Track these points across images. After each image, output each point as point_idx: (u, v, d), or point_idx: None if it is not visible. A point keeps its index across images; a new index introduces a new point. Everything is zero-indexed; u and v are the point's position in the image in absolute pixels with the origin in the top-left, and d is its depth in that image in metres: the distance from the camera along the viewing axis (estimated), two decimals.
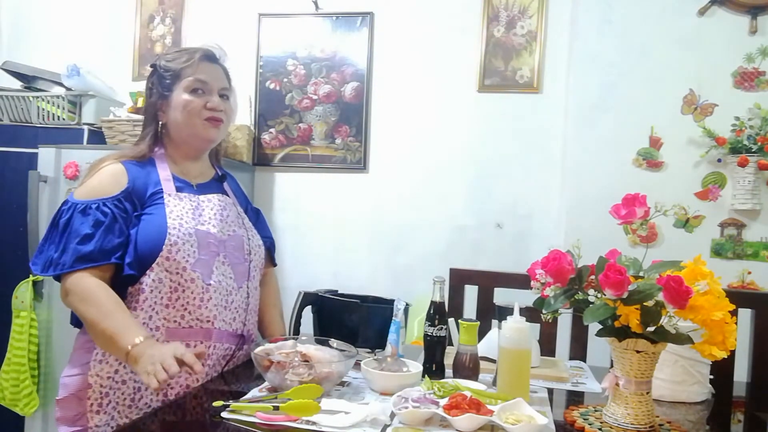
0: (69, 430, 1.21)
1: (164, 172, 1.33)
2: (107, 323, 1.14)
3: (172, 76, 1.34)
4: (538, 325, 1.53)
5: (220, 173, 1.48)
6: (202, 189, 1.38)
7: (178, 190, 1.32)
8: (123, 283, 1.22)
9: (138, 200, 1.26)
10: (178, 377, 1.20)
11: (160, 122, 1.37)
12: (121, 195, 1.24)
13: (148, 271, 1.21)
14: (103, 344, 1.18)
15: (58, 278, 1.22)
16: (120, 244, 1.21)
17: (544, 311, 1.07)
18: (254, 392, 1.13)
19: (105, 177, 1.27)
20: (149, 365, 1.06)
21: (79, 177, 2.19)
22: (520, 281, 1.56)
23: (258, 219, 1.56)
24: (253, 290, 1.40)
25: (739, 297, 1.31)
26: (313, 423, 0.98)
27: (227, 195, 1.44)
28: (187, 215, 1.28)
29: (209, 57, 1.38)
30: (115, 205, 1.22)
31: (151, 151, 1.36)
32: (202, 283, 1.25)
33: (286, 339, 1.28)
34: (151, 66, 1.39)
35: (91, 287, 1.17)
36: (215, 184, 1.44)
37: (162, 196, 1.28)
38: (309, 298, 1.46)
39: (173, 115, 1.34)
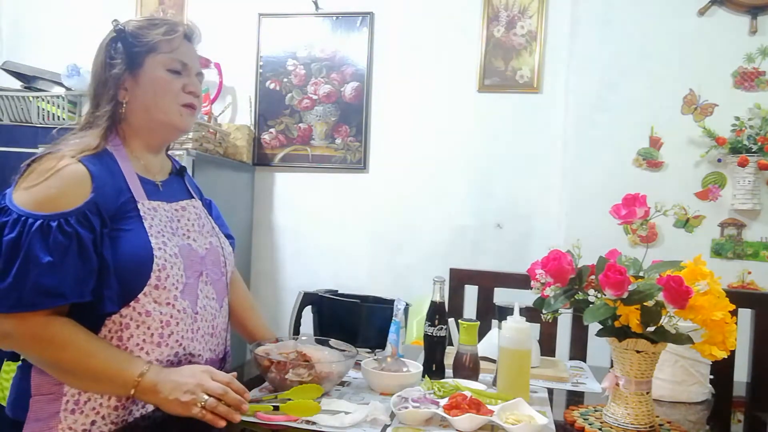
0: None
1: (129, 173, 1.09)
2: (96, 361, 0.97)
3: (145, 47, 1.11)
4: (538, 325, 1.53)
5: (177, 166, 1.28)
6: (168, 190, 1.18)
7: (148, 195, 1.09)
8: (94, 318, 1.00)
9: (106, 213, 1.01)
10: None
11: (121, 102, 1.11)
12: (85, 208, 0.98)
13: (132, 303, 1.01)
14: (91, 385, 1.00)
15: None
16: (91, 273, 0.97)
17: (544, 311, 1.07)
18: (254, 392, 1.13)
19: (65, 183, 0.99)
20: (182, 394, 0.94)
21: None
22: (520, 281, 1.56)
23: (214, 214, 1.34)
24: (227, 304, 1.26)
25: (739, 297, 1.31)
26: (313, 423, 0.98)
27: (193, 196, 1.25)
28: (166, 230, 1.08)
29: (189, 36, 1.19)
30: (79, 223, 0.97)
31: (106, 142, 1.10)
32: (192, 312, 1.09)
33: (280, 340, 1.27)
34: (115, 30, 1.12)
35: (61, 328, 0.96)
36: (177, 182, 1.24)
37: (135, 206, 1.05)
38: (309, 298, 1.45)
39: (142, 94, 1.11)
